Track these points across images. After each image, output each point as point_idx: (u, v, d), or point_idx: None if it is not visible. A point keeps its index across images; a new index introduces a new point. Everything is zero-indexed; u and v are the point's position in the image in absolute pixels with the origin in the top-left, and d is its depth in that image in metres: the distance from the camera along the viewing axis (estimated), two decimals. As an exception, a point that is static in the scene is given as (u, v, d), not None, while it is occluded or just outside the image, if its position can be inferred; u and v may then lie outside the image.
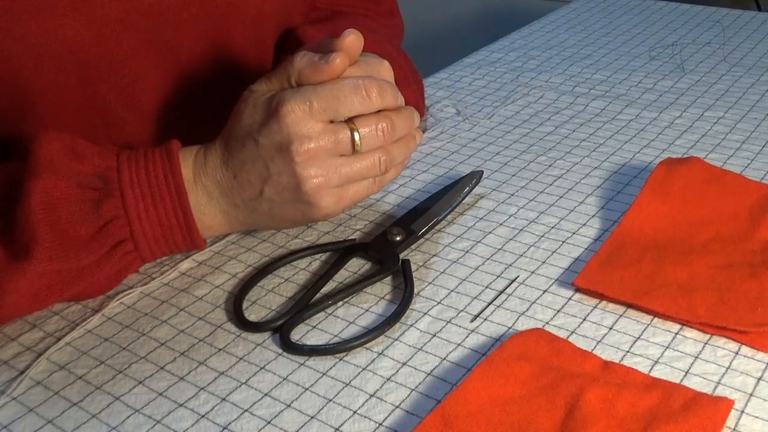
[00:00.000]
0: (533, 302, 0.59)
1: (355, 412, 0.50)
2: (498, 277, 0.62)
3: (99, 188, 0.58)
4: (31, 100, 0.62)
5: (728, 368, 0.52)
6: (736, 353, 0.53)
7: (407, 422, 0.49)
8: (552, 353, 0.52)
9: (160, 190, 0.59)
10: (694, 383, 0.51)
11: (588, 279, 0.60)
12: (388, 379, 0.53)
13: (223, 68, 0.72)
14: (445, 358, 0.54)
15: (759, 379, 0.51)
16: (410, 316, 0.58)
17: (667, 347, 0.54)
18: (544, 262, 0.63)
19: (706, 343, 0.54)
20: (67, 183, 0.57)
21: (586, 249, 0.65)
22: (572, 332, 0.56)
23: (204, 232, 0.62)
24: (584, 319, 0.57)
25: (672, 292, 0.57)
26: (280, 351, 0.56)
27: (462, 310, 0.59)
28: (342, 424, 0.50)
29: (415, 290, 0.61)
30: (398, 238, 0.64)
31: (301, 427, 0.50)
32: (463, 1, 2.09)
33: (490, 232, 0.67)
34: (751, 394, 0.50)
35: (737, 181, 0.70)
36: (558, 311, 0.58)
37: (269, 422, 0.50)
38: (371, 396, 0.52)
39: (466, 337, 0.56)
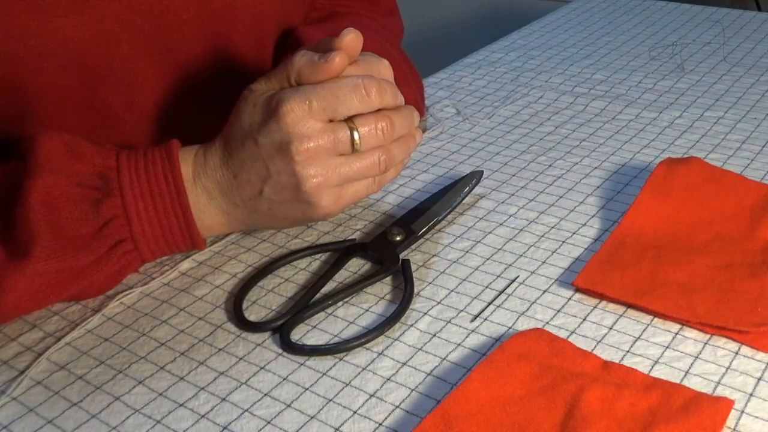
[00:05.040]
0: (533, 302, 0.59)
1: (355, 412, 0.50)
2: (498, 277, 0.62)
3: (98, 188, 0.58)
4: (31, 100, 0.62)
5: (728, 368, 0.52)
6: (736, 353, 0.53)
7: (407, 422, 0.49)
8: (552, 353, 0.52)
9: (159, 190, 0.59)
10: (694, 383, 0.51)
11: (588, 279, 0.60)
12: (388, 379, 0.53)
13: (222, 69, 0.72)
14: (445, 358, 0.54)
15: (759, 379, 0.51)
16: (410, 316, 0.58)
17: (667, 347, 0.54)
18: (544, 262, 0.63)
19: (706, 343, 0.54)
20: (66, 182, 0.57)
21: (586, 249, 0.65)
22: (572, 332, 0.56)
23: (204, 231, 0.62)
24: (584, 319, 0.57)
25: (672, 292, 0.57)
26: (280, 351, 0.56)
27: (462, 310, 0.59)
28: (342, 424, 0.50)
29: (415, 290, 0.61)
30: (398, 238, 0.64)
31: (301, 427, 0.50)
32: (463, 1, 2.09)
33: (490, 232, 0.67)
34: (751, 394, 0.50)
35: (737, 181, 0.70)
36: (558, 311, 0.58)
37: (269, 422, 0.50)
38: (371, 396, 0.52)
39: (466, 337, 0.56)
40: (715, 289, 0.57)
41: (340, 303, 0.60)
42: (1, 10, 0.59)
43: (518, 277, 0.62)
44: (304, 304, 0.59)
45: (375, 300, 0.60)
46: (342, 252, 0.65)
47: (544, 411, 0.48)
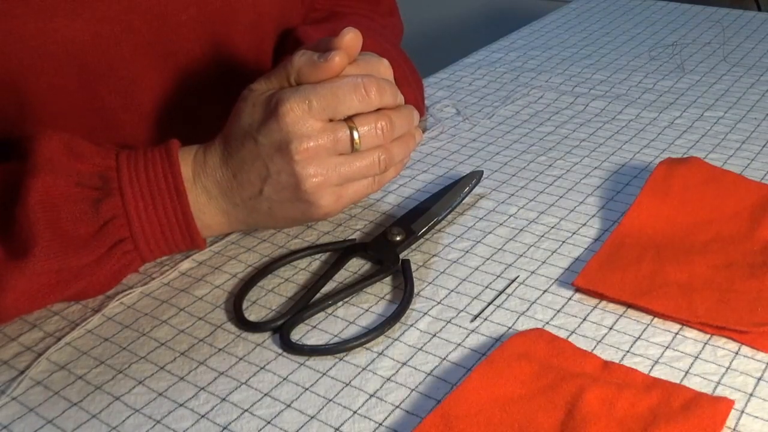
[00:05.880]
0: (533, 302, 0.59)
1: (355, 412, 0.50)
2: (498, 277, 0.62)
3: (98, 187, 0.58)
4: (31, 101, 0.62)
5: (728, 368, 0.52)
6: (736, 353, 0.53)
7: (407, 422, 0.49)
8: (552, 353, 0.52)
9: (159, 190, 0.59)
10: (694, 383, 0.51)
11: (588, 279, 0.60)
12: (388, 379, 0.53)
13: (222, 69, 0.72)
14: (445, 358, 0.54)
15: (759, 379, 0.51)
16: (410, 316, 0.58)
17: (667, 347, 0.54)
18: (544, 262, 0.63)
19: (706, 343, 0.54)
20: (66, 182, 0.57)
21: (586, 249, 0.65)
22: (572, 332, 0.56)
23: (204, 231, 0.62)
24: (584, 319, 0.57)
25: (672, 292, 0.57)
26: (280, 351, 0.56)
27: (462, 310, 0.59)
28: (342, 424, 0.50)
29: (415, 290, 0.61)
30: (398, 238, 0.64)
31: (301, 427, 0.50)
32: (463, 1, 2.09)
33: (490, 232, 0.67)
34: (751, 394, 0.50)
35: (737, 181, 0.70)
36: (558, 311, 0.58)
37: (269, 422, 0.50)
38: (371, 396, 0.52)
39: (466, 337, 0.56)
40: (715, 289, 0.57)
41: (340, 303, 0.60)
42: (1, 11, 0.59)
43: (518, 277, 0.62)
44: (304, 304, 0.59)
45: (375, 300, 0.60)
46: (342, 252, 0.65)
47: (544, 411, 0.48)
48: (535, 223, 0.68)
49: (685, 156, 0.78)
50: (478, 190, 0.73)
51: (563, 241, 0.66)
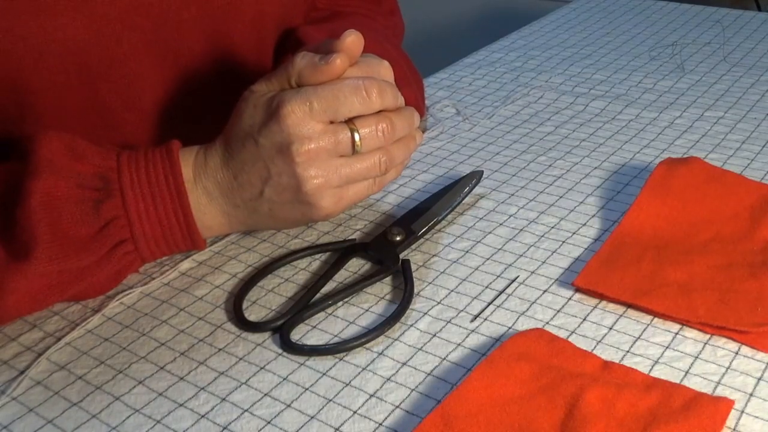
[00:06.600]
0: (533, 302, 0.59)
1: (355, 412, 0.50)
2: (498, 277, 0.62)
3: (99, 188, 0.58)
4: (31, 100, 0.62)
5: (728, 368, 0.52)
6: (736, 353, 0.53)
7: (407, 422, 0.49)
8: (552, 353, 0.52)
9: (160, 191, 0.59)
10: (694, 383, 0.51)
11: (588, 279, 0.60)
12: (388, 379, 0.53)
13: (222, 68, 0.72)
14: (445, 358, 0.54)
15: (759, 379, 0.51)
16: (410, 316, 0.58)
17: (667, 347, 0.54)
18: (544, 262, 0.63)
19: (706, 343, 0.54)
20: (67, 183, 0.57)
21: (586, 249, 0.65)
22: (572, 332, 0.56)
23: (204, 232, 0.62)
24: (584, 319, 0.57)
25: (672, 292, 0.57)
26: (280, 351, 0.56)
27: (462, 310, 0.59)
28: (342, 424, 0.50)
29: (415, 290, 0.61)
30: (398, 238, 0.64)
31: (301, 427, 0.50)
32: (463, 1, 2.09)
33: (490, 232, 0.67)
34: (751, 394, 0.50)
35: (737, 181, 0.70)
36: (558, 311, 0.58)
37: (269, 422, 0.50)
38: (371, 396, 0.52)
39: (466, 337, 0.56)
40: (715, 289, 0.57)
41: (340, 303, 0.60)
42: (1, 10, 0.59)
43: (518, 277, 0.62)
44: (304, 304, 0.59)
45: (375, 300, 0.60)
46: (342, 252, 0.65)
47: (544, 411, 0.48)
48: (535, 223, 0.68)
49: (685, 156, 0.78)
50: (478, 190, 0.73)
51: (563, 241, 0.66)
